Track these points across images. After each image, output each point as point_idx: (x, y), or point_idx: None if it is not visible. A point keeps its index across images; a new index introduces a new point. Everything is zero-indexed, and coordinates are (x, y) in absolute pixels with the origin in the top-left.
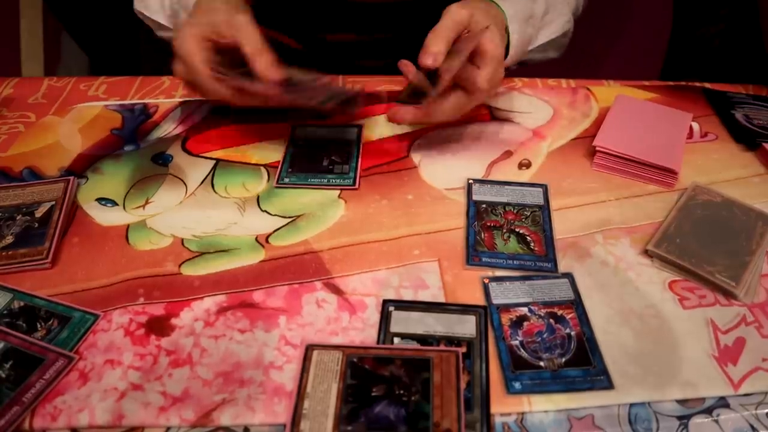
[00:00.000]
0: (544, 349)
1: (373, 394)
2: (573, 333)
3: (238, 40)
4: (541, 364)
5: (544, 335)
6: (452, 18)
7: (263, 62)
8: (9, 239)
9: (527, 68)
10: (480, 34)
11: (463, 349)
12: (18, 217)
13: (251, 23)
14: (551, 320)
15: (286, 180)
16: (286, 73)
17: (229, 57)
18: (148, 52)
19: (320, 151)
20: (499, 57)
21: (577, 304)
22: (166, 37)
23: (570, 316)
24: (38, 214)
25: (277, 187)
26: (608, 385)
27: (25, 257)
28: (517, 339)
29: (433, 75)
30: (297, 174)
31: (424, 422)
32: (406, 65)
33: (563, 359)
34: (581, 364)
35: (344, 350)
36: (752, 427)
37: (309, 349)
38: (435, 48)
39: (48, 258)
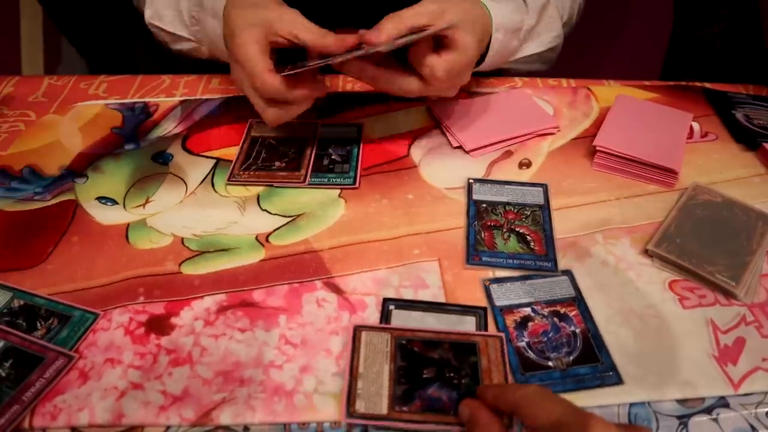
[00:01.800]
0: (551, 349)
1: (424, 376)
2: (578, 330)
3: (295, 34)
4: (550, 364)
5: (550, 334)
6: (416, 10)
7: (332, 38)
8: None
9: None
10: (437, 29)
11: (503, 335)
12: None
13: (299, 14)
14: (555, 319)
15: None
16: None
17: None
18: (144, 58)
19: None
20: (467, 54)
21: (579, 300)
22: (184, 50)
23: (573, 313)
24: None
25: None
26: (618, 380)
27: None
28: (523, 340)
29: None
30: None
31: None
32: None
33: (571, 357)
34: (589, 361)
35: (392, 332)
36: (752, 426)
37: (357, 330)
38: (385, 29)
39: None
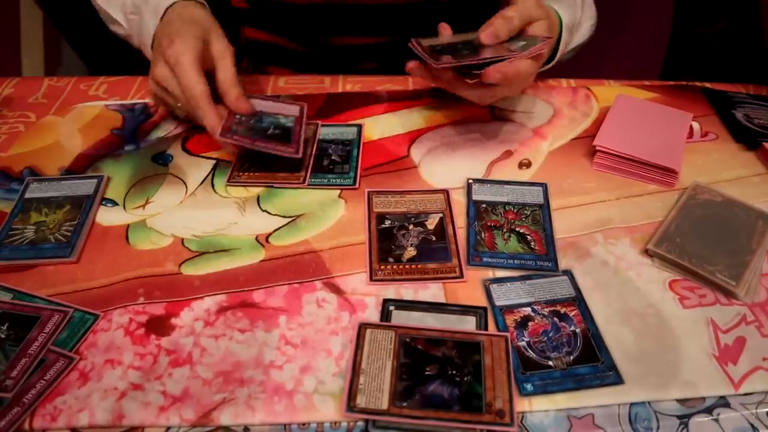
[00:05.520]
0: (551, 348)
1: (426, 373)
2: (578, 330)
3: (217, 67)
4: (550, 363)
5: (550, 334)
6: (523, 14)
7: (234, 94)
8: (411, 251)
9: None
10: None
11: (508, 335)
12: (410, 228)
13: (230, 52)
14: (555, 318)
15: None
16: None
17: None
18: (144, 60)
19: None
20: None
21: (579, 300)
22: (119, 33)
23: (573, 313)
24: (430, 225)
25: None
26: (618, 380)
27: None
28: (523, 340)
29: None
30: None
31: (477, 402)
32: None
33: (571, 357)
34: (589, 360)
35: (396, 330)
36: (752, 426)
37: (362, 327)
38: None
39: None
